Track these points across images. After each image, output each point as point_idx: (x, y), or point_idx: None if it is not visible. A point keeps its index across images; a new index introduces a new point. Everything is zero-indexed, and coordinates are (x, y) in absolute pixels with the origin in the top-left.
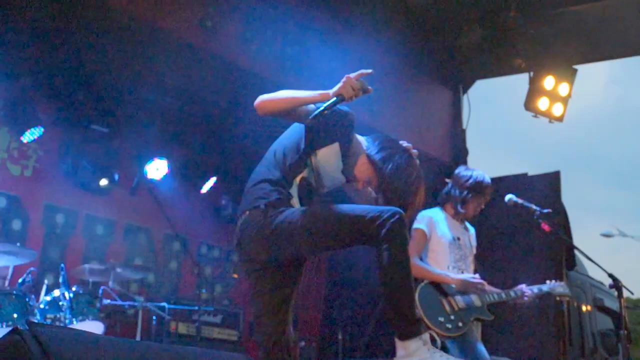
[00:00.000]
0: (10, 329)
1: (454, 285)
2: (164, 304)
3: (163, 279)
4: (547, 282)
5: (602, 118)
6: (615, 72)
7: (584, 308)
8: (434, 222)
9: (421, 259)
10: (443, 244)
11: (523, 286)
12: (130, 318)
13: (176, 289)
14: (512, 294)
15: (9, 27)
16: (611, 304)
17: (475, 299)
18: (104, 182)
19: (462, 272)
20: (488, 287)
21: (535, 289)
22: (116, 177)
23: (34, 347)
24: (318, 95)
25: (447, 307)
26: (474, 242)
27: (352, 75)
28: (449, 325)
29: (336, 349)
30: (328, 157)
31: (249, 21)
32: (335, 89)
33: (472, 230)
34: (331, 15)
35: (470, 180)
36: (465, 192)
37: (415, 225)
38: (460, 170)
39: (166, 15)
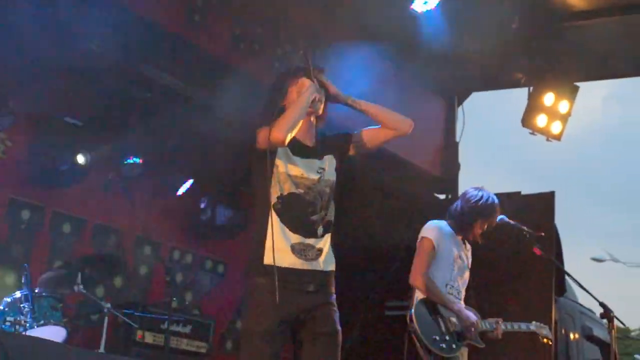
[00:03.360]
0: None
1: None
2: (131, 311)
3: (132, 284)
4: (534, 322)
5: (599, 137)
6: (615, 89)
7: (571, 336)
8: (442, 234)
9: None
10: (447, 260)
11: (499, 320)
12: (94, 324)
13: (145, 295)
14: (486, 325)
15: None
16: (600, 333)
17: None
18: (80, 158)
19: (458, 293)
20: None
21: (523, 325)
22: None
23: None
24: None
25: (443, 327)
26: (469, 261)
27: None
28: (443, 345)
29: None
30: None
31: (240, 19)
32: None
33: (470, 250)
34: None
35: (480, 202)
36: (472, 213)
37: (425, 234)
38: (470, 190)
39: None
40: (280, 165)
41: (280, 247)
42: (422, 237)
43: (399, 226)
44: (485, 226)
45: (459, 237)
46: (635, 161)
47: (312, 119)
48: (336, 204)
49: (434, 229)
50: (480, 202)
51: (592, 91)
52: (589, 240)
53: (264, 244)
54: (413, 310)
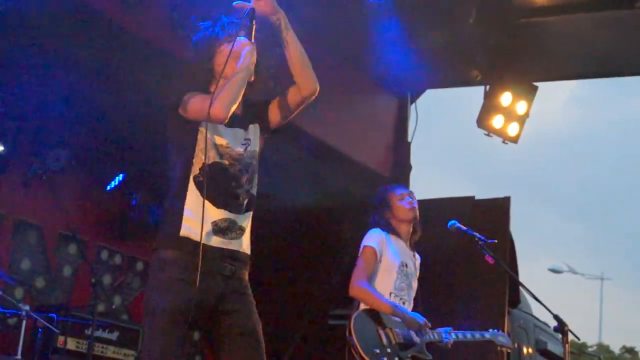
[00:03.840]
0: None
1: (396, 319)
2: (52, 314)
3: (54, 285)
4: (490, 330)
5: (558, 141)
6: (577, 91)
7: (525, 350)
8: (385, 241)
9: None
10: (391, 268)
11: (450, 330)
12: (11, 329)
13: (68, 298)
14: (435, 335)
15: None
16: (555, 348)
17: (413, 335)
18: None
19: (404, 303)
20: None
21: (477, 334)
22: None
23: None
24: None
25: (384, 339)
26: (417, 271)
27: None
28: (385, 359)
29: None
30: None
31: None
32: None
33: (418, 258)
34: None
35: (380, 192)
36: (385, 202)
37: (366, 242)
38: (381, 188)
39: None
40: (203, 132)
41: (198, 221)
42: (364, 245)
43: (344, 229)
44: (404, 202)
45: (406, 244)
46: (592, 168)
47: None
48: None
49: (376, 235)
50: (387, 187)
51: (554, 93)
52: (543, 249)
53: (181, 215)
54: (352, 322)
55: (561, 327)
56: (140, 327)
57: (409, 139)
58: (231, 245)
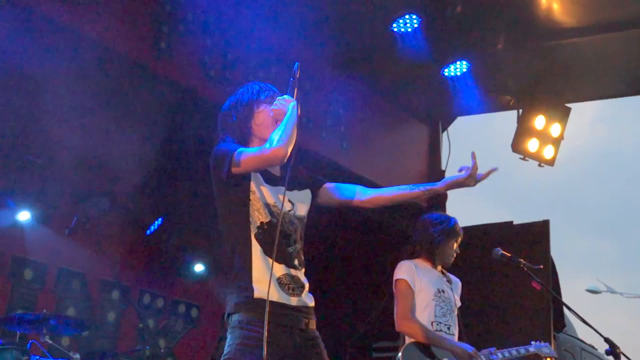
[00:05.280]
0: None
1: (445, 350)
2: None
3: (99, 332)
4: (533, 342)
5: (586, 161)
6: (602, 110)
7: None
8: (416, 271)
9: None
10: (427, 297)
11: (493, 349)
12: None
13: (114, 343)
14: (483, 357)
15: None
16: None
17: None
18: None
19: (449, 328)
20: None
21: (522, 349)
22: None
23: None
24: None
25: None
26: (458, 295)
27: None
28: None
29: None
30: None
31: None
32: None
33: (456, 282)
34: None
35: (443, 222)
36: (438, 236)
37: (397, 275)
38: (424, 217)
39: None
40: (256, 191)
41: (266, 280)
42: (396, 279)
43: (385, 260)
44: (455, 246)
45: (438, 270)
46: (622, 186)
47: None
48: (320, 236)
49: (405, 267)
50: (443, 222)
51: (579, 114)
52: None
53: (250, 276)
54: (400, 355)
55: (613, 350)
56: None
57: (443, 167)
58: (299, 302)
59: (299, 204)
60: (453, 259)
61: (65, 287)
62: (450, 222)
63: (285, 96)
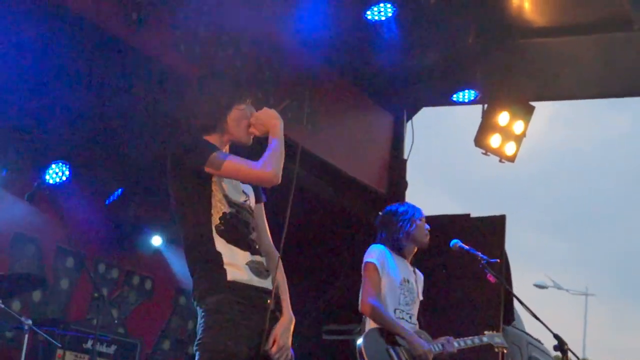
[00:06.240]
0: None
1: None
2: (53, 328)
3: (51, 299)
4: (486, 332)
5: (543, 159)
6: (561, 110)
7: None
8: (386, 257)
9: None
10: (393, 284)
11: (450, 338)
12: (11, 343)
13: (66, 311)
14: (438, 347)
15: None
16: None
17: None
18: None
19: (410, 318)
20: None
21: (476, 339)
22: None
23: None
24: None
25: (395, 358)
26: (420, 288)
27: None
28: None
29: None
30: None
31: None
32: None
33: (420, 276)
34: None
35: (404, 212)
36: (406, 224)
37: (367, 258)
38: (392, 207)
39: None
40: (217, 182)
41: (236, 264)
42: (365, 262)
43: (340, 244)
44: (425, 226)
45: (407, 261)
46: (576, 186)
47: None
48: (274, 216)
49: (376, 251)
50: (411, 209)
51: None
52: (528, 265)
53: (221, 260)
54: (362, 343)
55: (561, 346)
56: (139, 341)
57: (405, 157)
58: (265, 284)
59: (251, 197)
60: (427, 239)
61: (20, 251)
62: (413, 208)
63: (271, 111)
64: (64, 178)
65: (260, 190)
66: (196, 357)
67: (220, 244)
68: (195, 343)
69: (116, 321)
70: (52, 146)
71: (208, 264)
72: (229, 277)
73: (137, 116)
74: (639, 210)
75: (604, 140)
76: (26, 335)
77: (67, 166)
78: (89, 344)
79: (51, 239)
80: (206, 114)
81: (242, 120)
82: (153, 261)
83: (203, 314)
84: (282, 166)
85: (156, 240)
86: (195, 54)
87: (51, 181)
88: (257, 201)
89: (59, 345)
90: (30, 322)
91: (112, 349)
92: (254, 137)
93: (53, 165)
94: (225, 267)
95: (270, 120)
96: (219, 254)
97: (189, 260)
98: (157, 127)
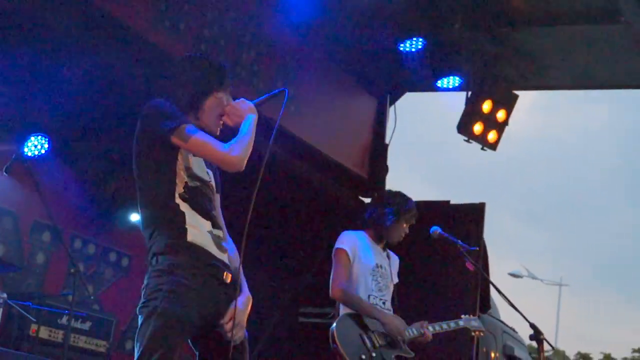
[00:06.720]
0: None
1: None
2: (27, 302)
3: (27, 273)
4: (463, 316)
5: (521, 148)
6: (540, 99)
7: (492, 355)
8: (358, 244)
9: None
10: (365, 270)
11: (425, 322)
12: None
13: (41, 285)
14: (414, 331)
15: None
16: (521, 353)
17: None
18: None
19: (384, 303)
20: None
21: (452, 323)
22: None
23: None
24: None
25: (368, 343)
26: (394, 271)
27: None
28: None
29: None
30: None
31: None
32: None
33: (395, 258)
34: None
35: (396, 203)
36: (389, 216)
37: (338, 245)
38: (384, 192)
39: None
40: (182, 155)
41: (198, 227)
42: (336, 248)
43: (319, 227)
44: (406, 229)
45: (380, 246)
46: (555, 176)
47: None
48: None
49: (347, 238)
50: (399, 202)
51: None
52: (504, 253)
53: (184, 219)
54: (335, 328)
55: (536, 336)
56: (114, 318)
57: (387, 141)
58: (224, 258)
59: (212, 181)
60: (400, 239)
61: None
62: (407, 204)
63: (249, 103)
64: (42, 151)
65: (220, 180)
66: (143, 320)
67: (184, 207)
68: (142, 305)
69: (92, 297)
70: (31, 118)
71: (169, 223)
72: (189, 238)
73: (119, 90)
74: (616, 202)
75: (584, 130)
76: (1, 309)
77: (47, 139)
78: (64, 320)
79: (28, 213)
80: (184, 95)
81: (216, 108)
82: (130, 238)
83: (155, 274)
84: (248, 155)
85: (134, 217)
86: (179, 31)
87: (30, 154)
88: (216, 191)
89: (34, 320)
90: (5, 295)
91: (87, 325)
92: (224, 126)
93: (32, 138)
94: (187, 226)
95: (246, 111)
96: (182, 214)
97: (148, 221)
98: (138, 101)
